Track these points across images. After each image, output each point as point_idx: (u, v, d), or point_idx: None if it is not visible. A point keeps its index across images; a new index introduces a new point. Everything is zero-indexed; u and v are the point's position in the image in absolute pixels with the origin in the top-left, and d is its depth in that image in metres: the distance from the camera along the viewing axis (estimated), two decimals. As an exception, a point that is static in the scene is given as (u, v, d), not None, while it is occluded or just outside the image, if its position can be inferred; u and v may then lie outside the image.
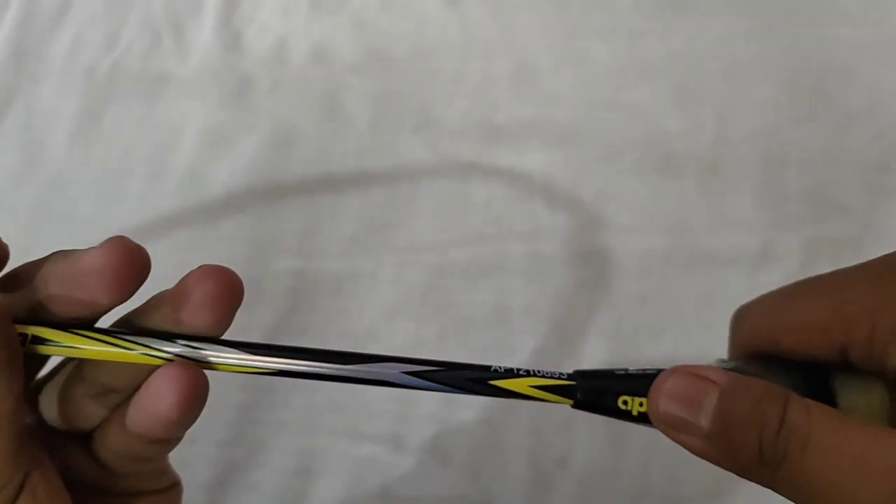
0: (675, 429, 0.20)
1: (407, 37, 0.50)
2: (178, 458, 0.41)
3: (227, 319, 0.22)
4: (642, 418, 0.21)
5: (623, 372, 0.21)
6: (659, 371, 0.21)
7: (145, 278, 0.22)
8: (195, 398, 0.21)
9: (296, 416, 0.42)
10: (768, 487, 0.19)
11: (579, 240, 0.46)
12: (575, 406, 0.21)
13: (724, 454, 0.20)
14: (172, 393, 0.21)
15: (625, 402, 0.21)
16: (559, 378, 0.21)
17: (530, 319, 0.44)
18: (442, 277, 0.45)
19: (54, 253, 0.22)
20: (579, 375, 0.21)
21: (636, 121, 0.47)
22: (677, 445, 0.45)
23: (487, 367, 0.21)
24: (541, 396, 0.21)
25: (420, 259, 0.45)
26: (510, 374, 0.21)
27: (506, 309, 0.44)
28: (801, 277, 0.48)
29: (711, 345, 0.44)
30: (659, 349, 0.43)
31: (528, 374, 0.21)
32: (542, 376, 0.21)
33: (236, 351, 0.22)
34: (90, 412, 0.24)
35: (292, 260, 0.46)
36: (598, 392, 0.21)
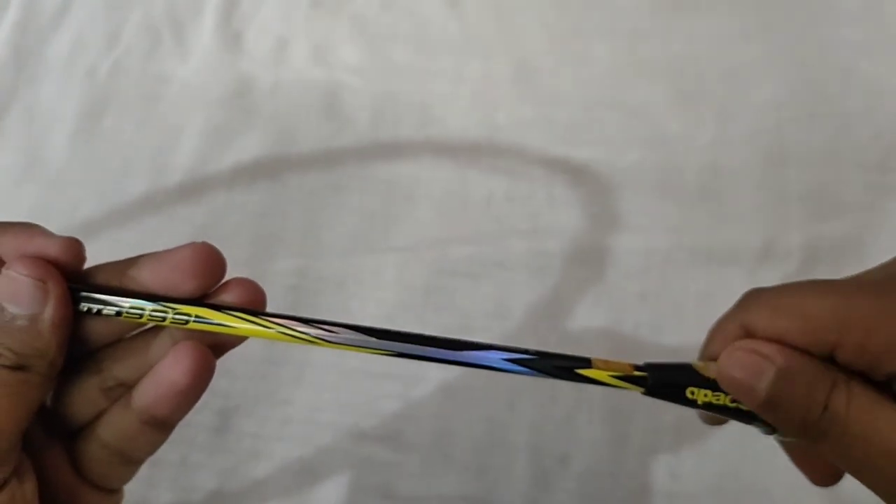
0: (740, 393, 0.23)
1: (407, 37, 0.50)
2: (179, 458, 0.41)
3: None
4: (705, 406, 0.24)
5: (688, 365, 0.24)
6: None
7: (221, 277, 0.25)
8: (205, 371, 0.24)
9: (298, 414, 0.42)
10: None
11: (580, 238, 0.46)
12: (646, 393, 0.24)
13: (775, 421, 0.23)
14: (187, 361, 0.24)
15: (692, 393, 0.24)
16: (635, 370, 0.24)
17: (531, 317, 0.44)
18: (443, 275, 0.45)
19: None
20: (651, 368, 0.24)
21: (636, 121, 0.47)
22: (678, 444, 0.45)
23: (575, 357, 0.24)
24: (617, 384, 0.24)
25: (421, 257, 0.45)
26: (590, 364, 0.24)
27: (507, 307, 0.45)
28: (801, 277, 0.48)
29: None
30: (659, 347, 0.43)
31: (605, 366, 0.24)
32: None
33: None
34: (95, 402, 0.25)
35: (294, 259, 0.46)
36: (667, 384, 0.24)
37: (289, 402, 0.42)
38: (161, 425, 0.25)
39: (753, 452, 0.42)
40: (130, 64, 0.51)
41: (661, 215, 0.46)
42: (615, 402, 0.42)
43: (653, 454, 0.41)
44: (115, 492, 0.27)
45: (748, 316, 0.24)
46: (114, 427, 0.25)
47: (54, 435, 0.25)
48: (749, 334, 0.23)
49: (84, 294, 0.23)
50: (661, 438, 0.42)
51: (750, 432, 0.40)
